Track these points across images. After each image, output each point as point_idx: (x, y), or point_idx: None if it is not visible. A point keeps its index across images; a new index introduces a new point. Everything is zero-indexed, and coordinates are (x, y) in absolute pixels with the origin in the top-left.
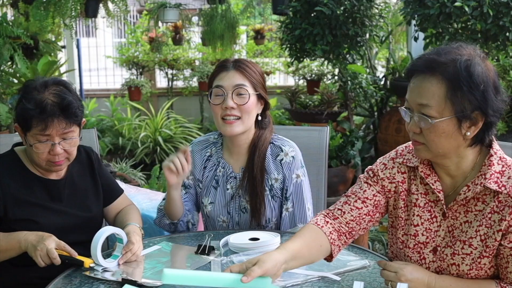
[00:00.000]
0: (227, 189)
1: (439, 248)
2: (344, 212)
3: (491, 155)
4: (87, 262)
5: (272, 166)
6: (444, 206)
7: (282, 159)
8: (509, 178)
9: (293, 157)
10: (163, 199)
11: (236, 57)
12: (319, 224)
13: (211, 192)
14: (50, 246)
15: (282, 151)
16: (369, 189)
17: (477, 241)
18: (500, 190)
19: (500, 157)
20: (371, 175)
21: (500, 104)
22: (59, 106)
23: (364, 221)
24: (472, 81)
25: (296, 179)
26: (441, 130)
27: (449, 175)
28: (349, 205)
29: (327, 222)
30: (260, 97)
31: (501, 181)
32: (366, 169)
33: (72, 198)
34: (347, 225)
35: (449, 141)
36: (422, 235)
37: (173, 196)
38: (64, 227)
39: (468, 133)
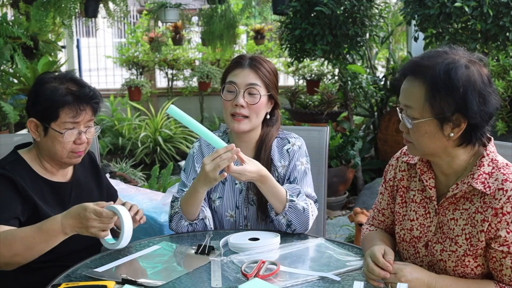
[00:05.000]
0: (236, 184)
1: (430, 243)
2: (377, 226)
3: (483, 156)
4: (110, 285)
5: (278, 156)
6: (435, 203)
7: (289, 148)
8: (496, 180)
9: (299, 146)
10: (173, 201)
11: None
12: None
13: (219, 187)
14: (91, 215)
15: (289, 142)
16: (383, 199)
17: (462, 239)
18: (485, 190)
19: (492, 159)
20: (383, 181)
21: (487, 108)
22: (88, 94)
23: (394, 228)
24: (451, 84)
25: (301, 166)
26: (423, 131)
27: (443, 173)
28: (376, 219)
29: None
30: (271, 97)
31: (487, 182)
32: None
33: (79, 202)
34: (388, 232)
35: (433, 141)
36: (417, 229)
37: (203, 195)
38: None
39: (452, 134)
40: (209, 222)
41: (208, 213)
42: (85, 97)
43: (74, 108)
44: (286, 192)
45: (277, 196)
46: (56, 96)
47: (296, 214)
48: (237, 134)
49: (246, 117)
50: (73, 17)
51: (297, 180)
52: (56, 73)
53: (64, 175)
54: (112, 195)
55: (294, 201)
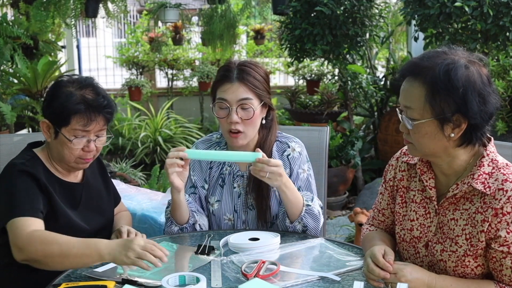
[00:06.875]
0: (234, 187)
1: (430, 243)
2: (377, 226)
3: (483, 156)
4: (110, 285)
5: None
6: (435, 203)
7: (289, 154)
8: (496, 180)
9: (299, 152)
10: (167, 207)
11: (236, 57)
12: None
13: (217, 191)
14: (141, 242)
15: (289, 147)
16: (383, 200)
17: (463, 240)
18: (485, 191)
19: (492, 159)
20: (383, 181)
21: (487, 108)
22: (102, 104)
23: (394, 229)
24: (451, 84)
25: (303, 174)
26: (424, 131)
27: (443, 173)
28: (376, 219)
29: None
30: (264, 104)
31: (487, 182)
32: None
33: (89, 202)
34: (388, 232)
35: (434, 141)
36: (417, 229)
37: (178, 200)
38: (83, 231)
39: (452, 135)
40: (201, 228)
41: (201, 219)
42: (98, 106)
43: (86, 117)
44: (303, 197)
45: (297, 201)
46: (69, 102)
47: (313, 218)
48: None
49: (243, 132)
50: (77, 17)
51: (302, 189)
52: (76, 77)
53: (75, 176)
54: (116, 198)
55: (310, 205)
